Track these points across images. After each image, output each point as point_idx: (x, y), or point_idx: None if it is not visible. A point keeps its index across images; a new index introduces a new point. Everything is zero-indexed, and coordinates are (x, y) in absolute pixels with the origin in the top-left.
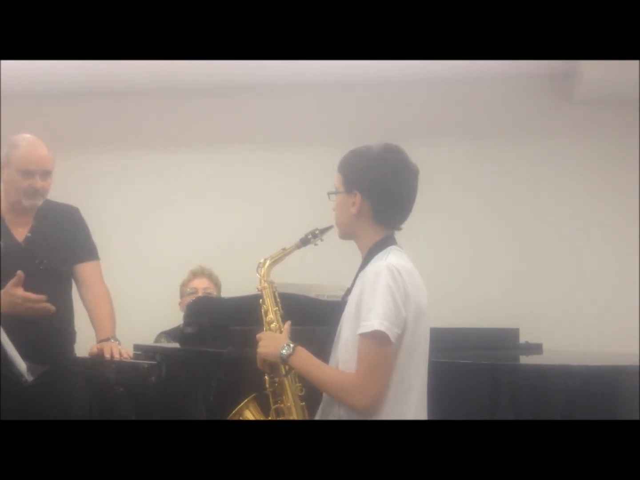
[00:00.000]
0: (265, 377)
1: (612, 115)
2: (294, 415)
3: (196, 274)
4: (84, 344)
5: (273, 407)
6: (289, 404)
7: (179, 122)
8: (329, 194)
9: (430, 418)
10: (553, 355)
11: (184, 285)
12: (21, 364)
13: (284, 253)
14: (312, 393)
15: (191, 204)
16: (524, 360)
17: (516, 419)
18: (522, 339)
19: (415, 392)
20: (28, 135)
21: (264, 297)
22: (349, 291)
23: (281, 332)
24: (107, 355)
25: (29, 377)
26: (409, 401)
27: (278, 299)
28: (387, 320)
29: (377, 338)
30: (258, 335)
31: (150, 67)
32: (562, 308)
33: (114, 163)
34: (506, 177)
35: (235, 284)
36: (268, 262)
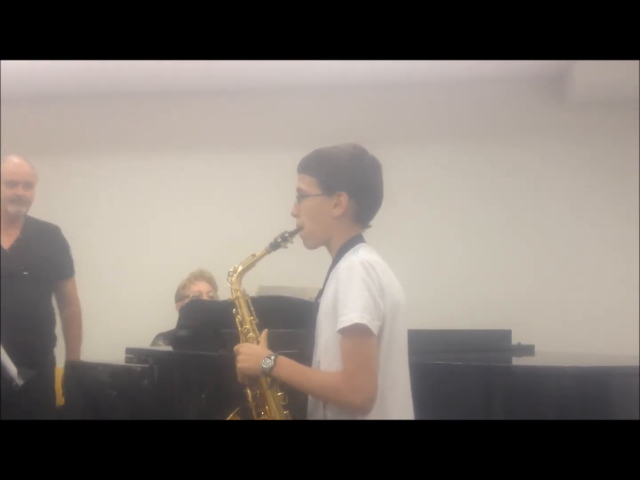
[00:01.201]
0: (247, 390)
1: (605, 117)
2: None
3: (197, 277)
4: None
5: (257, 419)
6: (273, 415)
7: (176, 124)
8: (301, 197)
9: (422, 420)
10: (546, 356)
11: (184, 288)
12: (12, 369)
13: (255, 259)
14: (294, 401)
15: (188, 205)
16: (517, 361)
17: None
18: (515, 340)
19: (400, 388)
20: (15, 156)
21: (238, 306)
22: (321, 292)
23: (258, 342)
24: None
25: (19, 382)
26: (395, 398)
27: (252, 308)
28: (367, 312)
29: (358, 332)
30: (235, 348)
31: (144, 69)
32: (555, 309)
33: (112, 165)
34: (500, 179)
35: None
36: (239, 270)
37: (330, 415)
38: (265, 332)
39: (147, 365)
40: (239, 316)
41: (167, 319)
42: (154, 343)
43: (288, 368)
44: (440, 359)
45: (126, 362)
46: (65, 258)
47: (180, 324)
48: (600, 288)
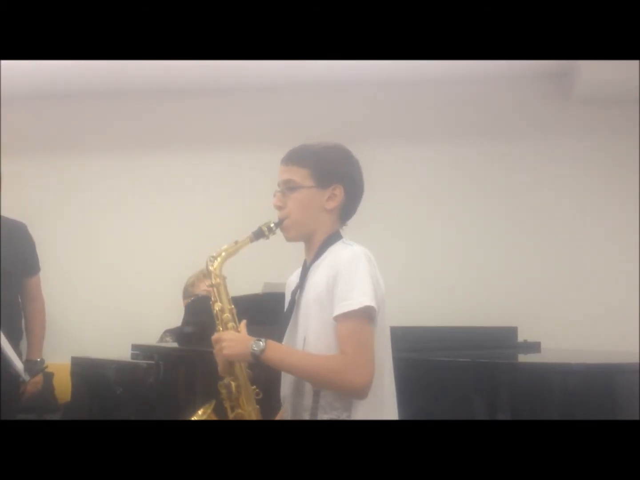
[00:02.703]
0: (230, 382)
1: (610, 114)
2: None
3: (206, 275)
4: (80, 345)
5: (232, 413)
6: (249, 409)
7: (174, 123)
8: (291, 189)
9: (430, 417)
10: (551, 353)
11: (192, 285)
12: (18, 364)
13: (237, 247)
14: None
15: (193, 202)
16: (523, 358)
17: (514, 418)
18: (521, 337)
19: (387, 377)
20: None
21: (218, 294)
22: (299, 287)
23: (238, 331)
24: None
25: (26, 377)
26: (384, 385)
27: (229, 296)
28: (373, 298)
29: (365, 315)
30: (215, 337)
31: (139, 68)
32: (561, 307)
33: (114, 163)
34: (505, 176)
35: (233, 283)
36: (221, 256)
37: (324, 408)
38: (244, 322)
39: (152, 362)
40: (218, 304)
41: (174, 315)
42: (161, 339)
43: (280, 350)
44: (447, 355)
45: (132, 358)
46: (31, 255)
47: (186, 321)
48: (606, 285)
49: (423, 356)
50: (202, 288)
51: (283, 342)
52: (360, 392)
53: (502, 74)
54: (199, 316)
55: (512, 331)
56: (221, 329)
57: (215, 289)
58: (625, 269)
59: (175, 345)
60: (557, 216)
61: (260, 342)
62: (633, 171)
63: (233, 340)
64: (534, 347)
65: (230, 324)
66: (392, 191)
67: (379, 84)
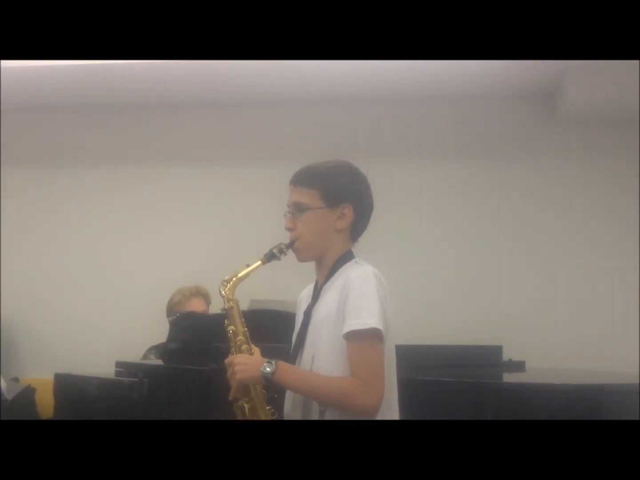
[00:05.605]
0: (243, 404)
1: (596, 133)
2: None
3: (193, 293)
4: (63, 362)
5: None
6: None
7: (167, 137)
8: (300, 210)
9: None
10: (536, 373)
11: (177, 304)
12: (1, 383)
13: (250, 269)
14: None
15: (179, 219)
16: (507, 378)
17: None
18: (506, 356)
19: (393, 397)
20: None
21: (231, 317)
22: (310, 307)
23: (252, 354)
24: None
25: (8, 396)
26: (390, 405)
27: (243, 319)
28: (381, 320)
29: (373, 336)
30: (228, 360)
31: (139, 80)
32: (546, 326)
33: (105, 177)
34: (492, 195)
35: (219, 300)
36: (233, 280)
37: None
38: (258, 349)
39: (136, 379)
40: (231, 327)
41: (158, 332)
42: (145, 356)
43: (290, 372)
44: (431, 374)
45: (116, 375)
46: None
47: (171, 337)
48: (593, 304)
49: (406, 375)
50: (188, 307)
51: (301, 357)
52: (371, 414)
53: (489, 93)
54: (185, 333)
55: (497, 350)
56: (234, 351)
57: (229, 313)
58: (614, 289)
59: (159, 362)
60: (545, 235)
61: (270, 365)
62: (624, 190)
63: (245, 363)
64: (519, 366)
65: (244, 347)
66: (379, 208)
67: (368, 102)
